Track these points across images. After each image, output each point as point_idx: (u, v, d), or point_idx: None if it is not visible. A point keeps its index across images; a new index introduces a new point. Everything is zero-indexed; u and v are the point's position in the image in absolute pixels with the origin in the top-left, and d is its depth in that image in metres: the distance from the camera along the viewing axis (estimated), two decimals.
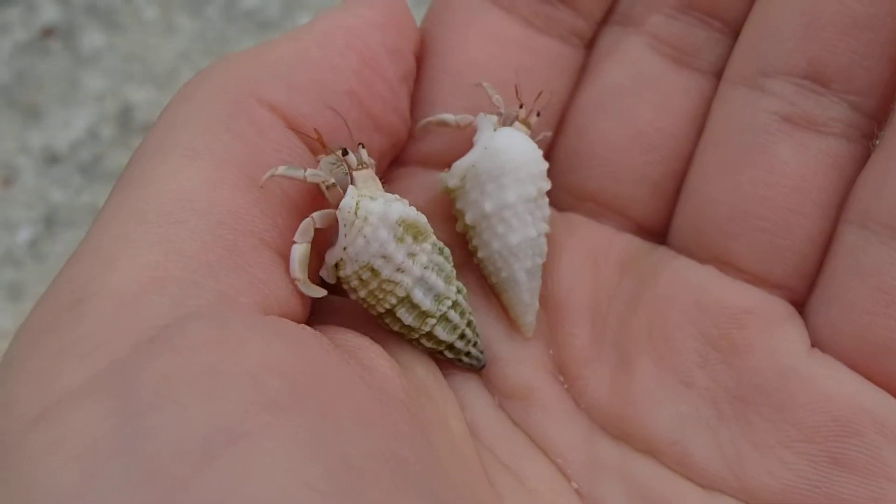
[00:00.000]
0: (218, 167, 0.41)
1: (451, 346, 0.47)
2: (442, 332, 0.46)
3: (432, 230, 0.45)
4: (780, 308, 0.48)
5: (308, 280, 0.42)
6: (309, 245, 0.42)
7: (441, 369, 0.48)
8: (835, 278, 0.47)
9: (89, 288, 0.36)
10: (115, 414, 0.32)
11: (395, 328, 0.46)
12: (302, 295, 0.42)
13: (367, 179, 0.44)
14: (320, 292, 0.42)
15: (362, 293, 0.44)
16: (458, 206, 0.50)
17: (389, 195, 0.44)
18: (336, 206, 0.43)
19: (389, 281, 0.44)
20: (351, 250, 0.43)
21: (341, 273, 0.43)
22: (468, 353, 0.48)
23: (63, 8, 1.24)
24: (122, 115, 1.19)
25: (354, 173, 0.44)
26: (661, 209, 0.52)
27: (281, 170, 0.42)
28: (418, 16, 0.52)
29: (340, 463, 0.32)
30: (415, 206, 0.45)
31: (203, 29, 1.21)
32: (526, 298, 0.50)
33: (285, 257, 0.42)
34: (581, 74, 0.53)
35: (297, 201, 0.43)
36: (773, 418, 0.46)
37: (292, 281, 0.42)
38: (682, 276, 0.50)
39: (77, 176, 1.16)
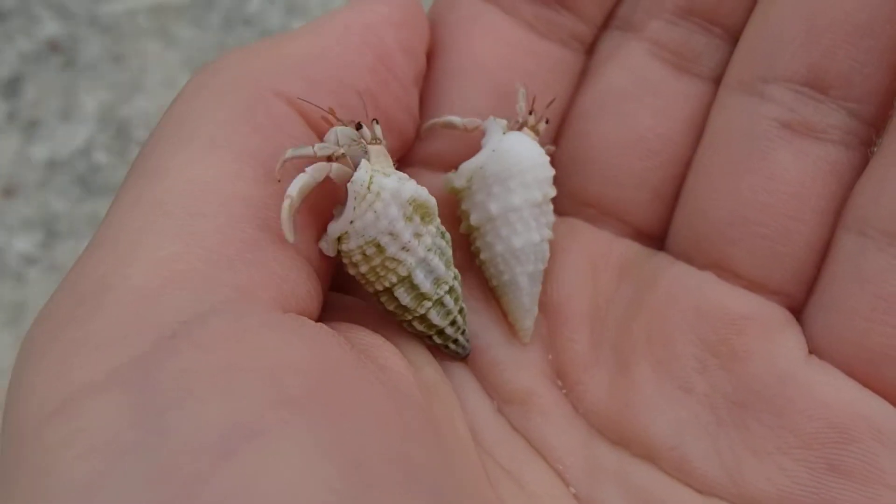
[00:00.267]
0: (237, 159, 0.41)
1: (441, 332, 0.47)
2: (436, 317, 0.46)
3: (437, 213, 0.45)
4: (778, 314, 0.48)
5: (295, 211, 0.41)
6: (315, 182, 0.42)
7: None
8: (833, 285, 0.47)
9: (109, 279, 0.36)
10: (134, 409, 0.32)
11: (391, 307, 0.45)
12: (317, 292, 0.42)
13: (379, 155, 0.44)
14: (292, 236, 0.41)
15: (363, 268, 0.44)
16: (464, 206, 0.50)
17: (402, 173, 0.44)
18: (342, 181, 0.43)
19: (393, 259, 0.43)
20: (358, 224, 0.42)
21: (344, 247, 0.43)
22: (455, 341, 0.48)
23: (65, 21, 1.25)
24: (122, 128, 1.19)
25: (369, 147, 0.43)
26: (660, 214, 0.52)
27: (289, 153, 0.41)
28: None
29: (355, 463, 0.32)
30: None
31: (202, 39, 1.22)
32: (526, 303, 0.50)
33: (302, 254, 0.42)
34: (581, 79, 0.53)
35: (311, 199, 0.43)
36: (771, 424, 0.46)
37: (310, 274, 0.42)
38: (681, 281, 0.50)
39: (77, 187, 1.16)
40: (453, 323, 0.47)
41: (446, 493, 0.36)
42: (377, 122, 0.44)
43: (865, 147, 0.48)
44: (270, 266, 0.39)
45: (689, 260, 0.51)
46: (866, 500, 0.44)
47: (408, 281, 0.44)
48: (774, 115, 0.48)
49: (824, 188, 0.48)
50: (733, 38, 0.51)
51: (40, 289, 1.10)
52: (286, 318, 0.38)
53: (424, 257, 0.44)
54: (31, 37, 1.23)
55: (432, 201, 0.44)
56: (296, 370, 0.35)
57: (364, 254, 0.43)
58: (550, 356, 0.50)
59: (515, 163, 0.49)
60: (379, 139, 0.44)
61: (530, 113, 0.50)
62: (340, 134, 0.43)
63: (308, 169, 0.42)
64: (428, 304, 0.45)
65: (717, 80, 0.51)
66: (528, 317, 0.50)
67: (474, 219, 0.50)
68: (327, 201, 0.44)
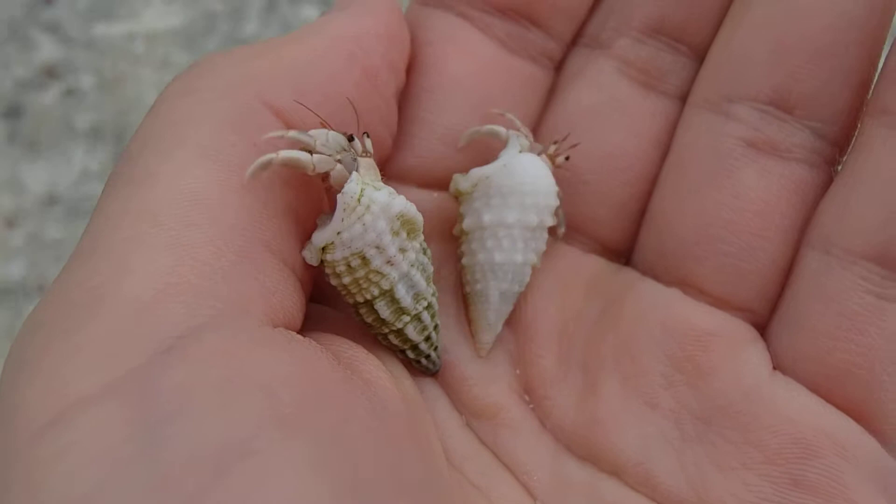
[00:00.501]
0: (227, 170, 0.40)
1: (415, 347, 0.47)
2: (412, 332, 0.46)
3: (422, 229, 0.45)
4: (743, 331, 0.49)
5: (266, 168, 0.41)
6: (307, 167, 0.42)
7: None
8: (797, 302, 0.48)
9: (103, 290, 0.36)
10: (130, 423, 0.32)
11: (369, 319, 0.45)
12: (301, 303, 0.42)
13: (369, 167, 0.44)
14: (247, 178, 0.40)
15: (346, 279, 0.43)
16: (462, 210, 0.51)
17: (391, 188, 0.44)
18: (338, 185, 0.43)
19: (377, 272, 0.43)
20: (346, 235, 0.42)
21: (328, 256, 0.43)
22: (428, 356, 0.48)
23: (62, 46, 1.26)
24: (118, 153, 1.20)
25: (359, 160, 0.43)
26: (626, 231, 0.53)
27: (284, 154, 0.41)
28: None
29: (347, 481, 0.33)
30: None
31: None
32: (490, 318, 0.50)
33: (290, 266, 0.42)
34: (550, 96, 0.54)
35: (299, 212, 0.43)
36: (735, 440, 0.46)
37: (296, 286, 0.42)
38: (647, 298, 0.50)
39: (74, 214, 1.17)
40: (428, 339, 0.47)
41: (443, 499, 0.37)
42: (368, 136, 0.44)
43: (829, 166, 0.49)
44: (261, 279, 0.39)
45: (656, 276, 0.51)
46: None
47: (389, 294, 0.44)
48: (740, 134, 0.49)
49: (788, 206, 0.49)
50: (700, 56, 0.52)
51: None
52: (277, 334, 0.38)
53: (407, 272, 0.44)
54: (27, 63, 1.25)
55: (419, 217, 0.45)
56: (288, 387, 0.35)
57: (349, 265, 0.43)
58: (518, 371, 0.50)
59: (520, 182, 0.49)
60: (369, 152, 0.44)
61: (555, 142, 0.51)
62: (331, 138, 0.43)
63: (315, 157, 0.42)
64: (406, 318, 0.45)
65: (684, 98, 0.52)
66: (488, 331, 0.50)
67: (466, 224, 0.50)
68: (312, 211, 0.44)
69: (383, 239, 0.43)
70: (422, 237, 0.45)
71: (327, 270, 0.44)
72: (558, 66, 0.54)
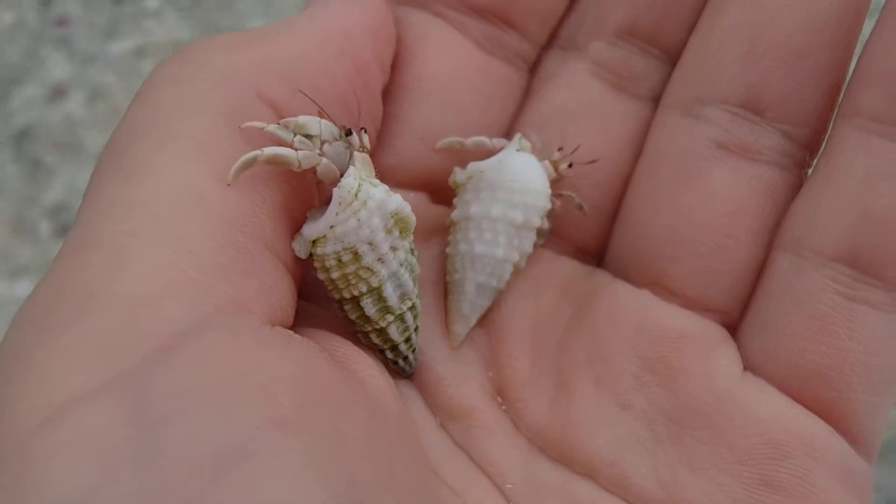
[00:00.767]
0: (223, 164, 0.39)
1: (394, 347, 0.47)
2: (394, 331, 0.46)
3: (413, 229, 0.45)
4: (714, 332, 0.49)
5: (249, 167, 0.40)
6: (294, 164, 0.41)
7: None
8: (769, 304, 0.48)
9: (99, 285, 0.35)
10: (128, 423, 0.31)
11: (353, 316, 0.45)
12: (294, 300, 0.42)
13: (365, 163, 0.43)
14: (230, 180, 0.39)
15: (335, 274, 0.43)
16: (454, 201, 0.51)
17: (386, 186, 0.43)
18: (327, 180, 0.42)
19: (368, 269, 0.43)
20: (339, 230, 0.42)
21: (319, 250, 0.42)
22: (405, 358, 0.48)
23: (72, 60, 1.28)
24: None
25: (355, 154, 0.43)
26: (599, 232, 0.53)
27: (269, 152, 0.40)
28: None
29: (346, 484, 0.33)
30: None
31: None
32: (464, 309, 0.51)
33: (284, 263, 0.41)
34: (525, 97, 0.54)
35: (292, 207, 0.43)
36: (707, 441, 0.47)
37: (290, 283, 0.41)
38: (619, 300, 0.50)
39: None
40: (408, 340, 0.47)
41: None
42: (366, 131, 0.44)
43: (800, 169, 0.50)
44: (261, 276, 0.39)
45: (628, 278, 0.51)
46: None
47: (377, 292, 0.44)
48: (711, 136, 0.49)
49: (759, 208, 0.49)
50: (672, 59, 0.52)
51: None
52: (276, 334, 0.38)
53: (396, 271, 0.44)
54: (40, 81, 1.26)
55: (413, 217, 0.44)
56: (287, 388, 0.34)
57: (339, 260, 0.42)
58: (491, 373, 0.50)
59: (511, 179, 0.50)
60: (366, 147, 0.43)
61: (560, 149, 0.51)
62: (325, 127, 0.43)
63: (300, 153, 0.41)
64: (390, 317, 0.45)
65: (656, 100, 0.52)
66: (462, 323, 0.51)
67: (455, 214, 0.51)
68: (304, 206, 0.44)
69: (377, 236, 0.42)
70: (412, 237, 0.45)
71: (316, 264, 0.43)
72: (533, 68, 0.54)
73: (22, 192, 1.16)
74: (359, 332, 0.46)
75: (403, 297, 0.45)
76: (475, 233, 0.50)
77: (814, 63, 0.48)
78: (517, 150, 0.50)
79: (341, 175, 0.43)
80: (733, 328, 0.50)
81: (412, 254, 0.46)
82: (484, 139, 0.51)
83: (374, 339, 0.46)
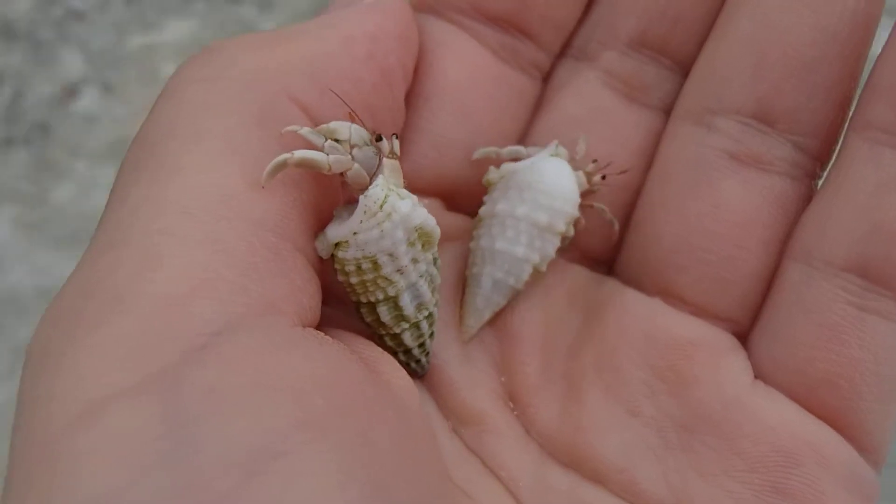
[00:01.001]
0: (254, 165, 0.39)
1: (408, 351, 0.47)
2: (409, 338, 0.46)
3: (437, 242, 0.45)
4: (724, 340, 0.50)
5: (281, 169, 0.40)
6: (325, 168, 0.41)
7: None
8: (779, 313, 0.49)
9: (132, 284, 0.35)
10: (162, 421, 0.31)
11: (369, 319, 0.45)
12: (320, 301, 0.42)
13: (394, 170, 0.43)
14: (265, 182, 0.39)
15: (354, 279, 0.43)
16: (485, 198, 0.52)
17: (414, 197, 0.44)
18: (356, 185, 0.43)
19: (386, 278, 0.43)
20: (361, 238, 0.42)
21: (340, 253, 0.42)
22: (418, 361, 0.48)
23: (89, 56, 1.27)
24: None
25: (384, 161, 0.43)
26: (610, 241, 0.54)
27: (299, 155, 0.40)
28: None
29: (375, 484, 0.33)
30: None
31: None
32: (478, 304, 0.51)
33: (314, 265, 0.41)
34: (538, 105, 0.54)
35: (321, 208, 0.43)
36: (717, 448, 0.47)
37: (318, 284, 0.41)
38: (629, 308, 0.51)
39: None
40: (422, 345, 0.47)
41: None
42: (397, 138, 0.44)
43: (810, 179, 0.50)
44: (291, 277, 0.39)
45: (638, 286, 0.52)
46: None
47: (393, 301, 0.44)
48: (722, 146, 0.50)
49: (770, 218, 0.50)
50: (683, 70, 0.52)
51: None
52: (307, 334, 0.38)
53: (415, 282, 0.44)
54: (53, 79, 1.26)
55: (437, 231, 0.44)
56: (318, 389, 0.35)
57: (359, 266, 0.43)
58: (503, 378, 0.51)
59: (539, 181, 0.50)
60: (396, 154, 0.43)
61: (594, 161, 0.51)
62: (355, 132, 0.43)
63: (331, 157, 0.41)
64: (405, 325, 0.45)
65: (667, 111, 0.53)
66: (475, 316, 0.51)
67: (482, 210, 0.51)
68: (331, 207, 0.44)
69: (398, 249, 0.42)
70: (435, 249, 0.45)
71: (336, 266, 0.43)
72: (546, 77, 0.55)
73: None
74: (374, 333, 0.47)
75: (420, 307, 0.45)
76: (498, 229, 0.51)
77: (823, 75, 0.48)
78: (551, 156, 0.51)
79: (370, 181, 0.43)
80: (743, 337, 0.50)
81: (434, 264, 0.46)
82: (520, 148, 0.52)
83: (389, 342, 0.46)
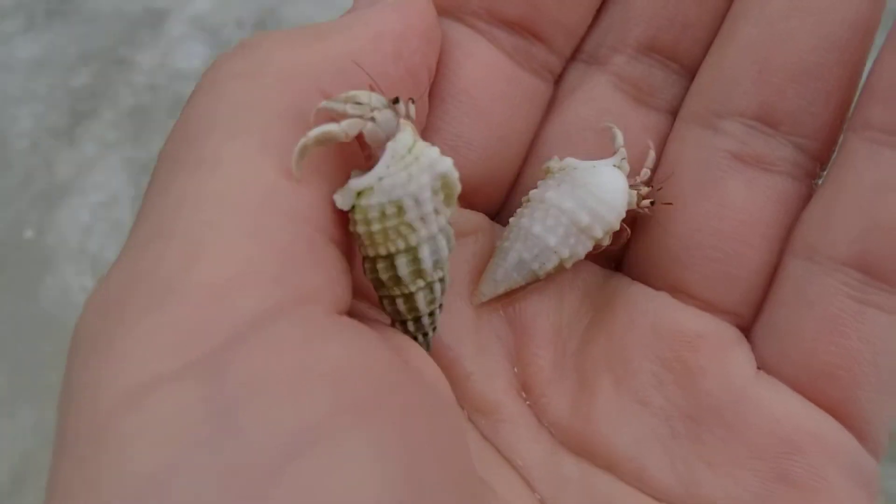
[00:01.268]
0: (290, 158, 0.40)
1: (417, 319, 0.47)
2: (421, 300, 0.46)
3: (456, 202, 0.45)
4: (729, 333, 0.51)
5: (306, 153, 0.40)
6: (341, 135, 0.41)
7: None
8: (781, 307, 0.50)
9: (177, 274, 0.36)
10: (205, 405, 0.32)
11: (384, 276, 0.44)
12: (352, 294, 0.42)
13: (413, 131, 0.44)
14: (299, 173, 0.40)
15: (375, 227, 0.42)
16: (539, 182, 0.53)
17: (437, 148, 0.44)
18: (373, 143, 0.43)
19: (409, 225, 0.43)
20: (388, 182, 0.42)
21: (363, 201, 0.42)
22: (426, 335, 0.48)
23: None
24: None
25: (402, 122, 0.43)
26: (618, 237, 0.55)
27: (314, 133, 0.40)
28: None
29: (412, 467, 0.34)
30: None
31: None
32: (498, 275, 0.52)
33: (347, 257, 0.42)
34: (549, 107, 0.56)
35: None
36: (723, 437, 0.49)
37: (349, 276, 0.42)
38: (637, 302, 0.52)
39: None
40: (432, 314, 0.47)
41: (479, 494, 0.39)
42: (413, 102, 0.44)
43: (811, 179, 0.52)
44: (327, 268, 0.40)
45: (646, 282, 0.53)
46: None
47: (413, 252, 0.44)
48: (727, 147, 0.52)
49: (773, 216, 0.51)
50: (690, 74, 0.54)
51: None
52: (343, 323, 0.39)
53: (435, 235, 0.44)
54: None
55: (458, 186, 0.44)
56: (356, 376, 0.35)
57: (383, 212, 0.42)
58: (516, 369, 0.52)
59: (593, 183, 0.51)
60: (412, 118, 0.44)
61: (650, 185, 0.53)
62: (374, 98, 0.43)
63: (343, 123, 0.41)
64: (421, 283, 0.45)
65: (674, 113, 0.54)
66: (490, 286, 0.52)
67: (532, 193, 0.53)
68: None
69: (423, 193, 0.42)
70: (455, 208, 0.45)
71: (357, 216, 0.43)
72: (558, 80, 0.56)
73: None
74: (385, 298, 0.46)
75: (437, 264, 0.45)
76: (540, 214, 0.52)
77: (824, 80, 0.50)
78: (615, 166, 0.52)
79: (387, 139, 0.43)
80: (747, 330, 0.52)
81: (450, 226, 0.46)
82: (619, 133, 0.53)
83: (401, 306, 0.46)
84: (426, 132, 0.52)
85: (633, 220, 0.54)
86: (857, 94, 0.50)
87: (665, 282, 0.53)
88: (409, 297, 0.45)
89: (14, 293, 1.26)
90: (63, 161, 1.35)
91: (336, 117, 0.42)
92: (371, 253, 0.44)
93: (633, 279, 0.54)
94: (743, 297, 0.52)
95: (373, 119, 0.42)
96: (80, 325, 0.37)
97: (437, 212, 0.44)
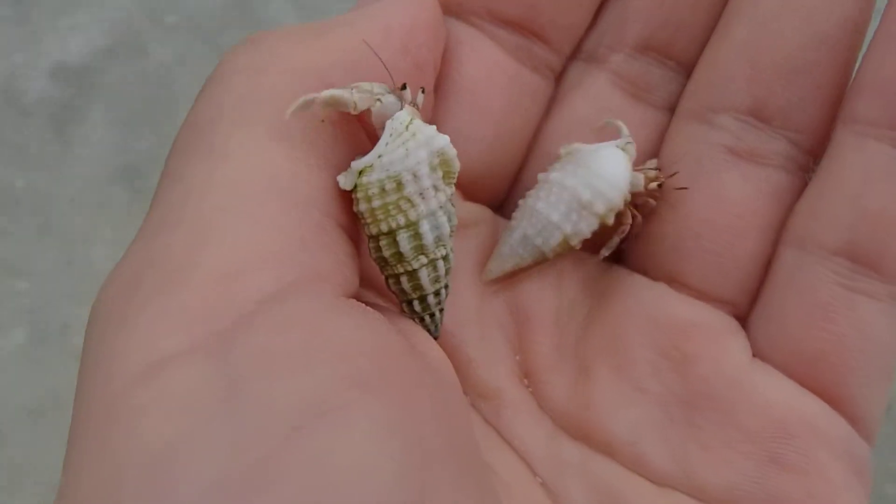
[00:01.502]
0: (297, 148, 0.42)
1: (423, 298, 0.47)
2: (425, 278, 0.46)
3: (455, 182, 0.46)
4: (725, 322, 0.53)
5: (306, 107, 0.42)
6: (349, 103, 0.43)
7: None
8: (774, 295, 0.52)
9: (189, 257, 0.37)
10: (217, 379, 0.34)
11: (388, 253, 0.45)
12: (359, 278, 0.44)
13: (416, 114, 0.45)
14: (289, 113, 0.41)
15: (376, 203, 0.43)
16: (548, 165, 0.55)
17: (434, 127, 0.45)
18: (378, 121, 0.44)
19: (408, 199, 0.44)
20: (386, 158, 0.43)
21: (364, 179, 0.43)
22: (432, 315, 0.48)
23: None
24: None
25: (406, 107, 0.44)
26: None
27: (326, 93, 0.42)
28: None
29: (416, 441, 0.35)
30: None
31: None
32: (504, 251, 0.55)
33: (355, 241, 0.44)
34: (550, 104, 0.57)
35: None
36: (718, 422, 0.50)
37: (356, 261, 0.43)
38: (636, 292, 0.54)
39: None
40: (437, 293, 0.47)
41: (478, 477, 0.40)
42: (423, 91, 0.46)
43: (803, 172, 0.53)
44: (335, 252, 0.41)
45: (644, 272, 0.55)
46: (804, 490, 0.48)
47: (413, 227, 0.45)
48: (722, 142, 0.53)
49: (766, 208, 0.53)
50: (686, 71, 0.56)
51: None
52: (351, 304, 0.40)
53: (434, 211, 0.45)
54: None
55: (457, 163, 0.45)
56: (364, 353, 0.36)
57: (383, 188, 0.43)
58: (518, 357, 0.54)
59: (594, 162, 0.53)
60: (418, 105, 0.45)
61: (657, 169, 0.55)
62: (378, 85, 0.44)
63: (356, 94, 0.43)
64: (424, 259, 0.45)
65: (671, 109, 0.56)
66: (497, 262, 0.55)
67: (541, 175, 0.55)
68: None
69: (421, 169, 0.43)
70: (454, 188, 0.46)
71: (359, 194, 0.44)
72: (558, 78, 0.58)
73: None
74: (390, 276, 0.47)
75: (438, 240, 0.46)
76: (544, 192, 0.54)
77: (815, 77, 0.52)
78: (617, 147, 0.54)
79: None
80: (742, 318, 0.53)
81: (453, 205, 0.47)
82: (623, 126, 0.55)
83: (405, 284, 0.47)
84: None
85: (644, 206, 0.56)
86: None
87: (662, 272, 0.54)
88: (412, 275, 0.46)
89: None
90: None
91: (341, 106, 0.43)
92: (374, 231, 0.45)
93: (631, 270, 0.56)
94: (738, 286, 0.53)
95: (380, 101, 0.44)
96: (97, 306, 0.38)
97: (436, 188, 0.45)
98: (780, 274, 0.52)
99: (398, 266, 0.46)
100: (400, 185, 0.44)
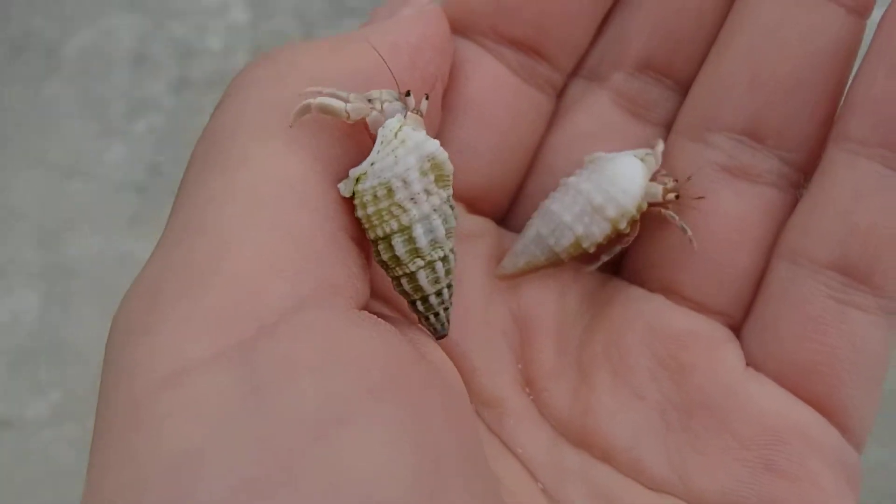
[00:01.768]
0: (317, 160, 0.43)
1: (425, 299, 0.48)
2: (424, 279, 0.47)
3: (451, 185, 0.47)
4: (720, 332, 0.54)
5: (304, 114, 0.43)
6: (342, 111, 0.44)
7: None
8: (768, 307, 0.53)
9: (212, 266, 0.38)
10: (238, 387, 0.34)
11: (386, 257, 0.46)
12: (368, 289, 0.44)
13: (417, 123, 0.45)
14: (292, 122, 0.43)
15: (370, 210, 0.44)
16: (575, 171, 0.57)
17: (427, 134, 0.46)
18: (374, 129, 0.45)
19: (399, 205, 0.44)
20: (378, 166, 0.44)
21: (359, 186, 0.44)
22: (437, 315, 0.49)
23: None
24: None
25: (409, 114, 0.45)
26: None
27: (320, 99, 0.43)
28: None
29: (430, 450, 0.35)
30: None
31: None
32: (518, 248, 0.56)
33: (367, 254, 0.45)
34: (551, 121, 0.59)
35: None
36: (713, 429, 0.52)
37: (367, 273, 0.44)
38: (634, 303, 0.55)
39: None
40: (439, 294, 0.48)
41: (489, 479, 0.41)
42: (427, 98, 0.47)
43: (795, 189, 0.55)
44: (349, 264, 0.42)
45: (642, 284, 0.56)
46: (796, 496, 0.50)
47: (407, 232, 0.45)
48: (717, 160, 0.55)
49: (760, 223, 0.54)
50: (683, 90, 0.57)
51: None
52: (364, 315, 0.40)
53: (428, 215, 0.45)
54: None
55: (449, 166, 0.46)
56: (378, 363, 0.37)
57: (375, 195, 0.44)
58: (520, 365, 0.55)
59: (610, 169, 0.55)
60: (421, 112, 0.46)
61: (675, 180, 0.56)
62: (385, 92, 0.45)
63: (349, 104, 0.44)
64: (420, 261, 0.46)
65: (669, 126, 0.57)
66: (510, 259, 0.56)
67: (561, 180, 0.57)
68: None
69: (410, 174, 0.44)
70: (451, 191, 0.47)
71: (356, 201, 0.45)
72: (560, 95, 0.59)
73: None
74: (393, 278, 0.48)
75: (434, 243, 0.46)
76: (560, 194, 0.56)
77: (807, 98, 0.53)
78: (635, 156, 0.55)
79: None
80: (737, 329, 0.55)
81: (451, 207, 0.47)
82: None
83: (406, 285, 0.47)
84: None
85: (648, 216, 0.57)
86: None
87: (660, 284, 0.56)
88: (411, 277, 0.47)
89: None
90: None
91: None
92: (372, 235, 0.46)
93: (630, 282, 0.57)
94: (733, 298, 0.55)
95: (381, 110, 0.45)
96: (119, 315, 0.39)
97: (427, 192, 0.45)
98: (774, 287, 0.53)
99: (397, 268, 0.47)
100: (390, 192, 0.44)
